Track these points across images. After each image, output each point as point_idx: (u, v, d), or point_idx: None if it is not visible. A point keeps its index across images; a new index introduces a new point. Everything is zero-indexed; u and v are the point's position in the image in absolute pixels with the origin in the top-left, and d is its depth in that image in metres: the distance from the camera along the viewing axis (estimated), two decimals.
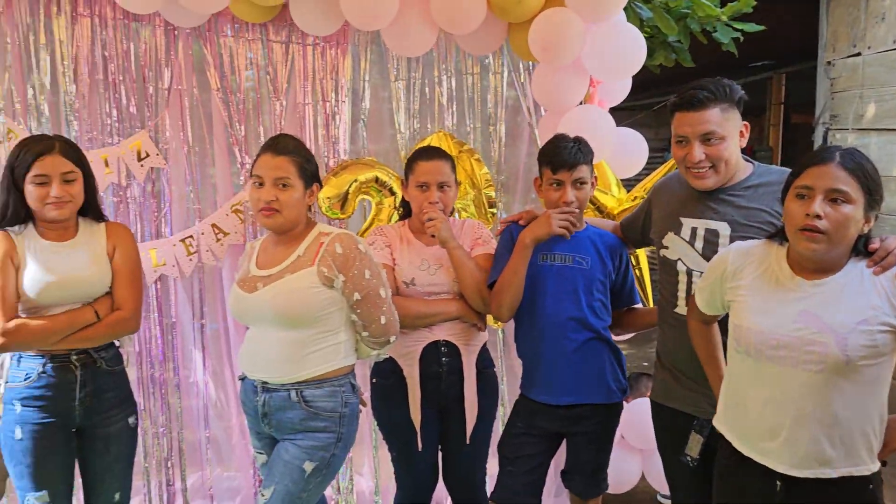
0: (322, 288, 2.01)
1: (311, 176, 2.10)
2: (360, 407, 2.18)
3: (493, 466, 2.64)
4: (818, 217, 1.55)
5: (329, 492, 3.14)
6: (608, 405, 2.36)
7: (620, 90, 2.90)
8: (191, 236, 2.98)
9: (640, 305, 2.54)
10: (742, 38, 3.86)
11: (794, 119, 8.81)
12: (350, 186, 2.83)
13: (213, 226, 2.99)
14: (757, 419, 1.67)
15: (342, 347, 2.09)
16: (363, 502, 3.24)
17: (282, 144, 2.08)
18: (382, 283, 2.09)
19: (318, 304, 2.01)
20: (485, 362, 2.50)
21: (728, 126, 1.95)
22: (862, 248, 1.62)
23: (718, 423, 1.81)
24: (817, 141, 5.12)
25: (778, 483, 1.64)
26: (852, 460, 1.60)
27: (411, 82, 3.06)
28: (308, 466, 2.01)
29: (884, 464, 1.64)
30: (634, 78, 2.94)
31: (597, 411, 2.34)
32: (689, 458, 2.03)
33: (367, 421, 3.09)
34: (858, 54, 4.73)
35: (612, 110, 2.92)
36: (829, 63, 5.00)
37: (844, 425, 1.58)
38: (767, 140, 8.65)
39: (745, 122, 2.00)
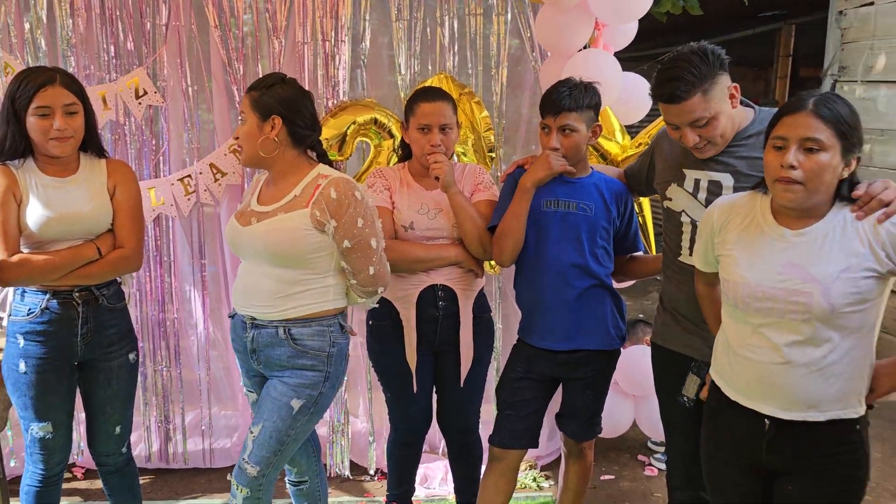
0: (313, 231, 1.99)
1: (266, 108, 2.02)
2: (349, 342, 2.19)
3: (486, 412, 2.69)
4: (792, 167, 1.54)
5: (324, 432, 3.20)
6: (607, 351, 2.38)
7: (626, 34, 2.85)
8: (189, 176, 2.96)
9: (642, 253, 2.54)
10: None
11: (803, 72, 8.68)
12: (348, 128, 2.80)
13: (211, 165, 2.97)
14: (747, 368, 1.69)
15: (331, 290, 2.08)
16: (358, 443, 3.30)
17: (252, 83, 2.10)
18: (375, 234, 2.06)
19: (308, 247, 2.00)
20: (481, 308, 2.51)
21: (714, 104, 1.88)
22: (846, 193, 1.60)
23: (713, 371, 1.83)
24: None
25: (766, 421, 1.67)
26: (840, 404, 1.62)
27: (412, 23, 3.01)
28: (295, 404, 2.03)
29: (870, 407, 1.66)
30: (638, 26, 2.88)
31: (596, 357, 2.36)
32: (685, 399, 2.05)
33: (362, 363, 3.13)
34: (871, 3, 4.63)
35: (620, 61, 2.87)
36: (840, 13, 4.91)
37: (833, 372, 1.60)
38: (774, 93, 8.55)
39: (734, 84, 1.92)
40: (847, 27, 4.83)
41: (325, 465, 3.19)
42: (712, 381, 1.82)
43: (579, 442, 2.48)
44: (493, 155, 2.94)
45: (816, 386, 1.60)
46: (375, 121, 2.82)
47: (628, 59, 3.68)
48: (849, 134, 1.55)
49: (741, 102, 2.01)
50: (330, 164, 2.15)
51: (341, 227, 2.00)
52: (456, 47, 3.05)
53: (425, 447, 3.15)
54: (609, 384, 2.45)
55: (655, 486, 3.20)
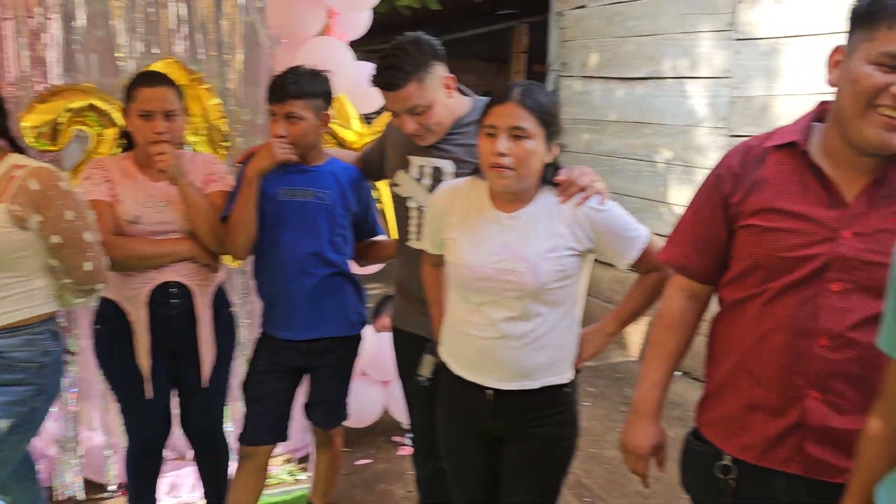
0: (13, 229, 1.78)
1: None
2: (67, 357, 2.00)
3: (235, 411, 2.60)
4: (503, 154, 1.65)
5: (54, 451, 2.91)
6: (349, 337, 2.41)
7: (360, 23, 2.88)
8: None
9: (383, 237, 2.59)
10: None
11: (536, 68, 9.41)
12: (61, 115, 2.54)
13: None
14: (469, 344, 1.79)
15: (38, 294, 1.88)
16: (94, 458, 3.03)
17: None
18: (88, 226, 1.89)
19: (7, 247, 1.78)
20: (221, 303, 2.42)
21: (429, 93, 1.98)
22: (550, 177, 1.75)
23: (441, 349, 1.92)
24: (549, 87, 5.52)
25: (487, 392, 1.78)
26: (551, 371, 1.77)
27: (134, 1, 2.79)
28: (3, 424, 1.81)
29: (578, 371, 1.85)
30: (385, 20, 2.93)
31: (338, 344, 2.38)
32: (422, 378, 2.12)
33: (94, 371, 2.87)
34: (584, 6, 5.13)
35: (364, 53, 2.90)
36: (559, 13, 5.37)
37: (543, 343, 1.74)
38: None
39: (451, 75, 2.03)
40: (565, 27, 5.31)
41: (52, 487, 2.91)
42: (443, 362, 1.91)
43: (327, 430, 2.49)
44: (228, 144, 2.83)
45: (529, 357, 1.74)
46: (93, 107, 2.58)
47: (372, 51, 3.74)
48: (550, 122, 1.68)
49: (461, 91, 2.13)
50: (22, 152, 1.93)
51: (48, 221, 1.80)
52: (185, 30, 2.89)
53: (173, 454, 2.98)
54: (353, 370, 2.48)
55: (409, 465, 3.28)
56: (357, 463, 3.33)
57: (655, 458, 1.64)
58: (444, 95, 2.01)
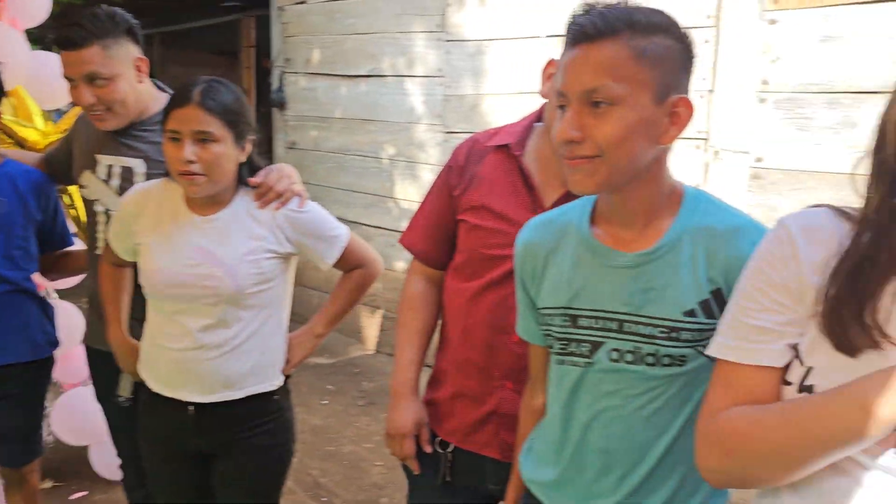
0: None
1: None
2: None
3: None
4: (191, 161, 1.55)
5: None
6: (35, 362, 2.16)
7: (38, 9, 2.57)
8: None
9: (75, 248, 2.35)
10: None
11: (265, 63, 9.15)
12: None
13: None
14: (165, 357, 1.68)
15: None
16: None
17: None
18: None
19: None
20: None
21: (115, 64, 1.83)
22: (246, 176, 1.67)
23: (139, 365, 1.78)
24: (274, 83, 5.41)
25: (188, 408, 1.68)
26: (256, 379, 1.70)
27: None
28: None
29: (288, 376, 1.79)
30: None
31: (22, 370, 2.11)
32: (122, 399, 1.97)
33: None
34: (304, 2, 5.09)
35: None
36: (280, 8, 5.28)
37: (245, 349, 1.66)
38: (241, 82, 8.85)
39: (142, 57, 1.90)
40: (287, 22, 5.23)
41: None
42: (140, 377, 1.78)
43: (19, 468, 2.21)
44: None
45: (230, 366, 1.66)
46: None
47: None
48: (237, 122, 1.60)
49: (158, 87, 1.99)
50: None
51: None
52: None
53: None
54: (44, 396, 2.22)
55: None
56: (72, 497, 3.01)
57: (419, 437, 1.59)
58: (132, 76, 1.87)
